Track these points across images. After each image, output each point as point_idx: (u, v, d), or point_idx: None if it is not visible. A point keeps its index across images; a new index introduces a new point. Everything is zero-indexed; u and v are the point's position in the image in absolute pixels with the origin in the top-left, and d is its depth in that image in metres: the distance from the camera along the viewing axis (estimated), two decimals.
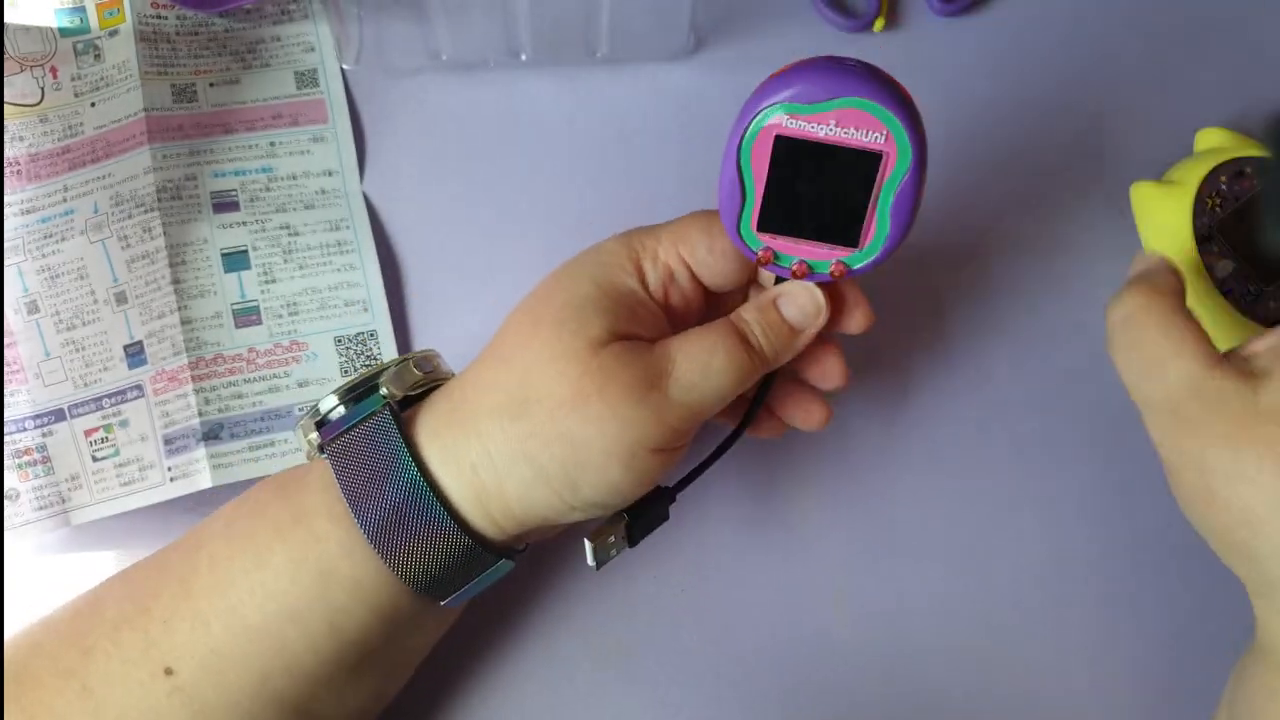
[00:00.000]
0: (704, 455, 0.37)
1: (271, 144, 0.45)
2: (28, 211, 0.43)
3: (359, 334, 0.44)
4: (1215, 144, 0.45)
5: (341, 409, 0.36)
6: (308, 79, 0.46)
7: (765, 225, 0.33)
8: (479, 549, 0.34)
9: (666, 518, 0.37)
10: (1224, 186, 0.43)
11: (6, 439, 0.41)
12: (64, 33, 0.44)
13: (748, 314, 0.35)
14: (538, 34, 0.45)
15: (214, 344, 0.43)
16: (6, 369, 0.42)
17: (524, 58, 0.46)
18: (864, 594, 0.43)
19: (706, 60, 0.47)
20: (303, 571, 0.33)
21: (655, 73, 0.47)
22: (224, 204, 0.44)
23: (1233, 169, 0.43)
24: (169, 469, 0.41)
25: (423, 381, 0.37)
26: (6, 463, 0.41)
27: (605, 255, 0.36)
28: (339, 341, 0.44)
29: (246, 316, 0.43)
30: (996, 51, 0.47)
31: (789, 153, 0.32)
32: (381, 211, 0.45)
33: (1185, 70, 0.48)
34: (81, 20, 0.44)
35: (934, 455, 0.44)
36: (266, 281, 0.44)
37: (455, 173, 0.46)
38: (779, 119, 0.32)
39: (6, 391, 0.42)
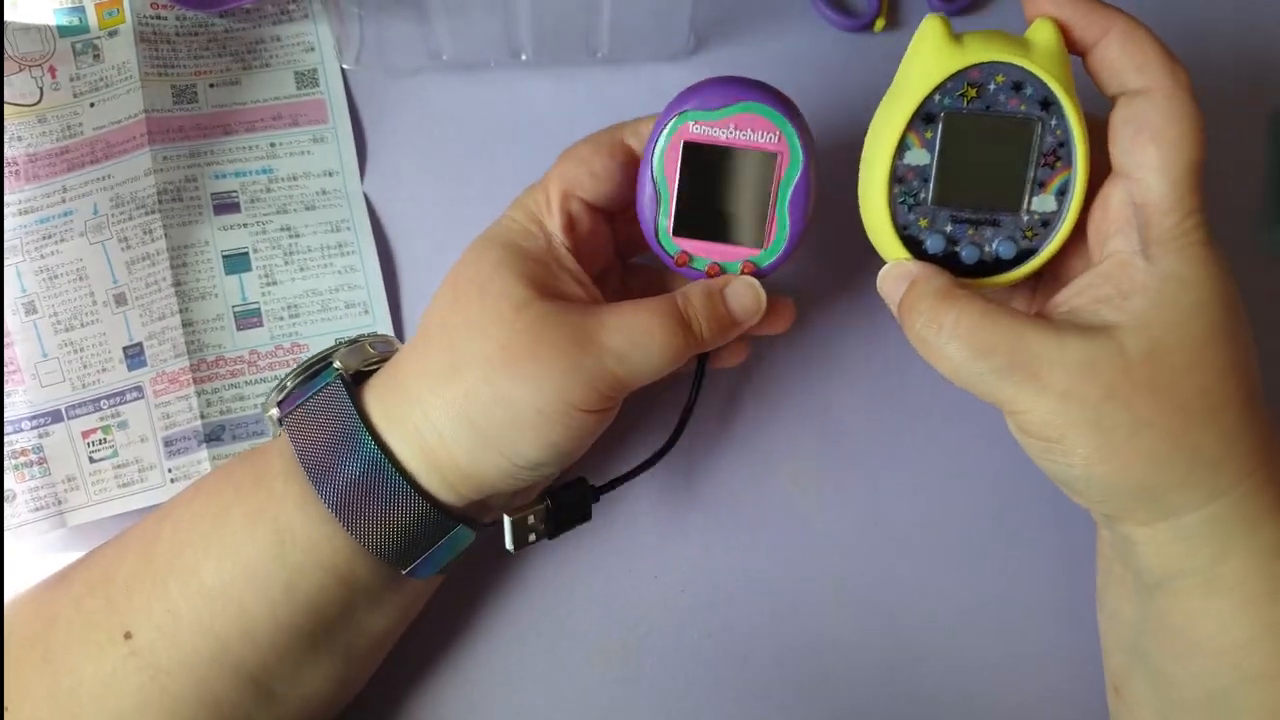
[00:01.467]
0: (636, 458, 0.39)
1: (272, 145, 0.45)
2: (25, 212, 0.43)
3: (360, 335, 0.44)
4: (1043, 41, 0.34)
5: (290, 382, 0.37)
6: (308, 79, 0.46)
7: (680, 230, 0.37)
8: (435, 513, 0.35)
9: (588, 518, 0.39)
10: (995, 87, 0.34)
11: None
12: (63, 32, 0.44)
13: (695, 299, 0.36)
14: (538, 34, 0.45)
15: (215, 346, 0.42)
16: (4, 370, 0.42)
17: (524, 58, 0.46)
18: (864, 591, 0.43)
19: (706, 60, 0.47)
20: (260, 528, 0.34)
21: (655, 73, 0.47)
22: (224, 205, 0.44)
23: (1017, 77, 0.34)
24: (169, 470, 0.41)
25: (375, 359, 0.38)
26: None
27: (507, 222, 0.37)
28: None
29: (248, 319, 0.43)
30: None
31: (696, 157, 0.37)
32: (382, 212, 0.45)
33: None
34: (81, 20, 0.44)
35: (935, 450, 0.44)
36: (267, 284, 0.43)
37: (456, 173, 0.46)
38: (686, 126, 0.37)
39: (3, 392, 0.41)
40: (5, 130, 0.43)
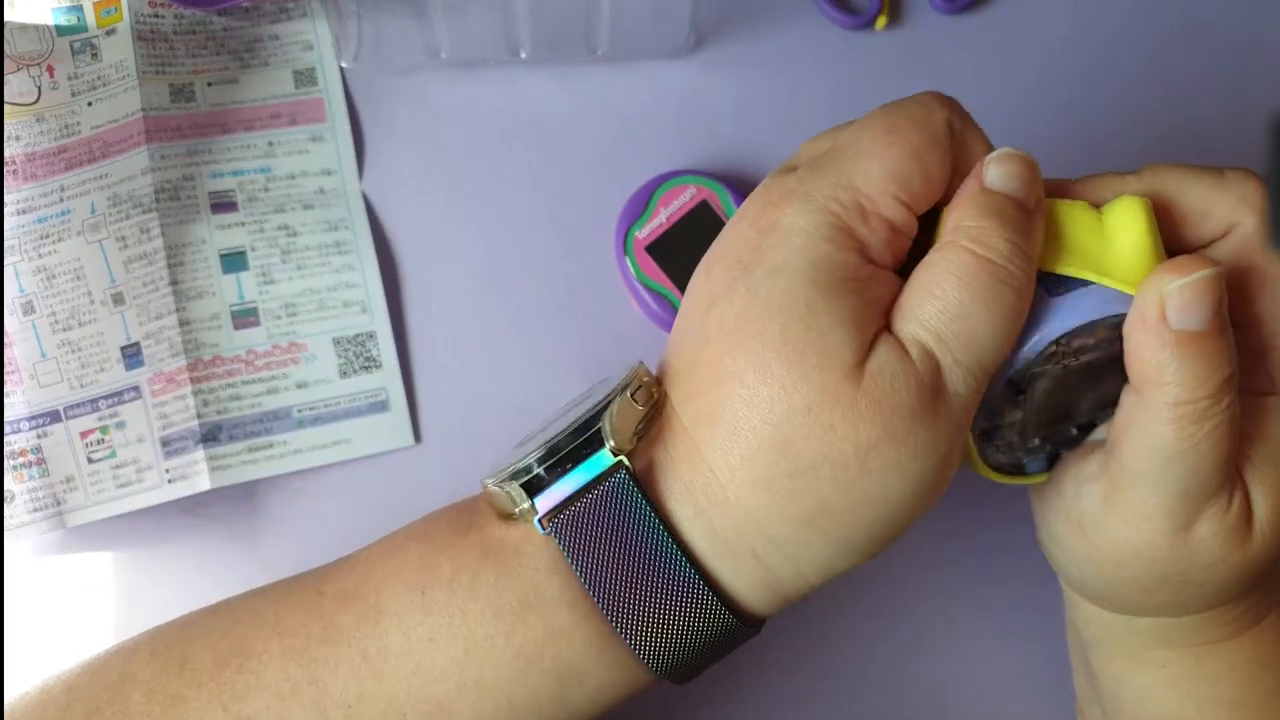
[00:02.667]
0: None
1: (270, 144, 0.45)
2: (24, 211, 0.43)
3: (358, 335, 0.44)
4: (1134, 230, 0.28)
5: (539, 465, 0.28)
6: (306, 78, 0.45)
7: None
8: (752, 632, 0.29)
9: None
10: (1095, 341, 0.29)
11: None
12: (61, 31, 0.44)
13: (973, 224, 0.27)
14: (537, 32, 0.45)
15: (212, 345, 0.42)
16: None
17: (524, 55, 0.46)
18: (870, 592, 0.43)
19: (707, 58, 0.47)
20: (535, 672, 0.27)
21: (655, 70, 0.47)
22: (222, 204, 0.44)
23: (1120, 316, 0.28)
24: (166, 471, 0.41)
25: (644, 416, 0.29)
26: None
27: (801, 238, 0.27)
28: (337, 343, 0.43)
29: (245, 318, 0.43)
30: (998, 49, 0.47)
31: (660, 248, 0.43)
32: (380, 211, 0.45)
33: (1185, 69, 0.47)
34: (79, 19, 0.44)
35: None
36: (265, 283, 0.43)
37: (454, 171, 0.46)
38: (636, 239, 0.43)
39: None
40: (4, 130, 0.43)
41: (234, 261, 0.43)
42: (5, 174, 0.43)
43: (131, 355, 0.42)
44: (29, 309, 0.42)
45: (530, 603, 0.27)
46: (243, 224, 0.44)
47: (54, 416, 0.41)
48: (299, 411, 0.43)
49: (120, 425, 0.41)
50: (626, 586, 0.27)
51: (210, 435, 0.41)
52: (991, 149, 0.29)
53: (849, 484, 0.26)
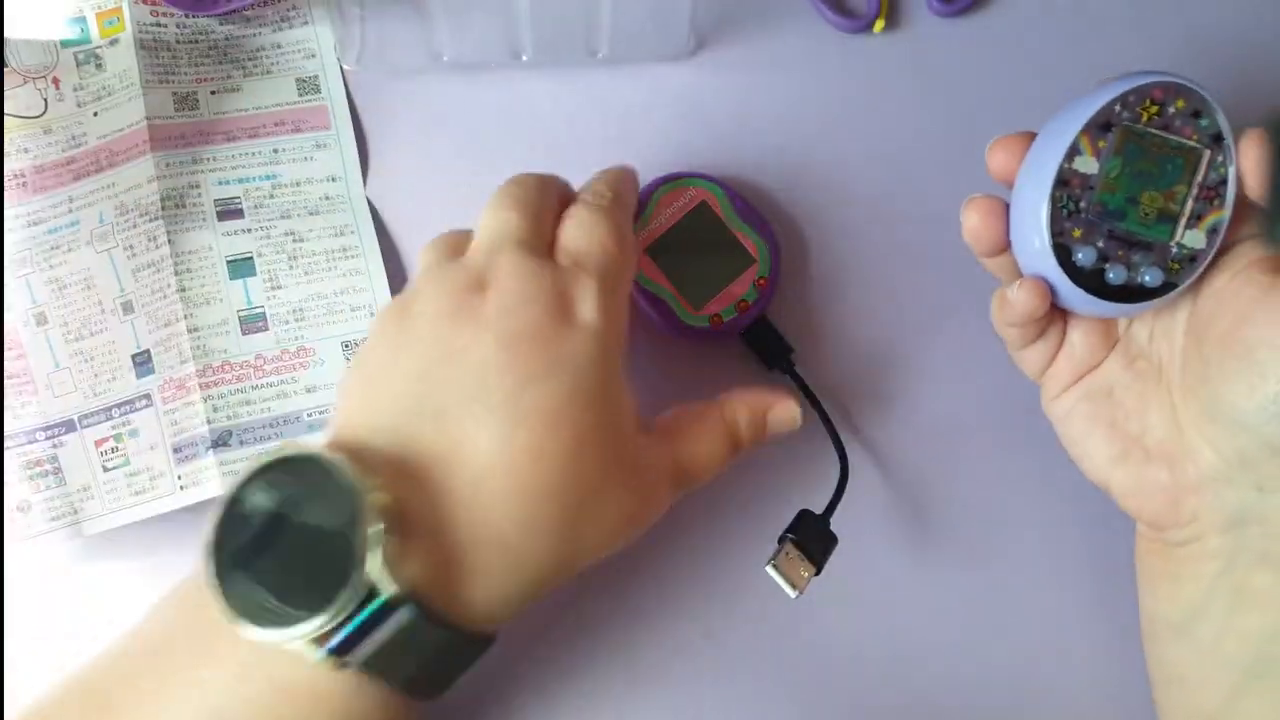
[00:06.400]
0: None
1: (274, 151, 0.45)
2: (34, 223, 0.43)
3: (366, 338, 0.44)
4: None
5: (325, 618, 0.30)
6: (309, 85, 0.46)
7: (696, 304, 0.43)
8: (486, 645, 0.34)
9: (836, 539, 0.40)
10: (1174, 111, 0.35)
11: (19, 451, 0.42)
12: (65, 43, 0.44)
13: (741, 417, 0.39)
14: (539, 35, 0.45)
15: (221, 351, 0.43)
16: (16, 381, 0.42)
17: (525, 58, 0.46)
18: (868, 590, 0.43)
19: (707, 61, 0.47)
20: None
21: (656, 73, 0.47)
22: (228, 211, 0.44)
23: (1197, 105, 0.35)
24: (179, 477, 0.42)
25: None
26: (19, 474, 0.41)
27: (614, 341, 0.36)
28: (346, 346, 0.44)
29: (253, 323, 0.44)
30: (996, 52, 0.47)
31: (661, 249, 0.43)
32: (385, 215, 0.46)
33: (1185, 70, 0.47)
34: (82, 30, 0.44)
35: (936, 453, 0.45)
36: (272, 288, 0.44)
37: (457, 174, 0.46)
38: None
39: (18, 404, 0.42)
40: (13, 143, 0.43)
41: (241, 267, 0.44)
42: (17, 187, 0.43)
43: (142, 363, 0.43)
44: (42, 320, 0.43)
45: None
46: (249, 230, 0.44)
47: (69, 426, 0.42)
48: (309, 415, 0.43)
49: (133, 433, 0.42)
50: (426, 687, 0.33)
51: (221, 440, 0.42)
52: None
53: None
